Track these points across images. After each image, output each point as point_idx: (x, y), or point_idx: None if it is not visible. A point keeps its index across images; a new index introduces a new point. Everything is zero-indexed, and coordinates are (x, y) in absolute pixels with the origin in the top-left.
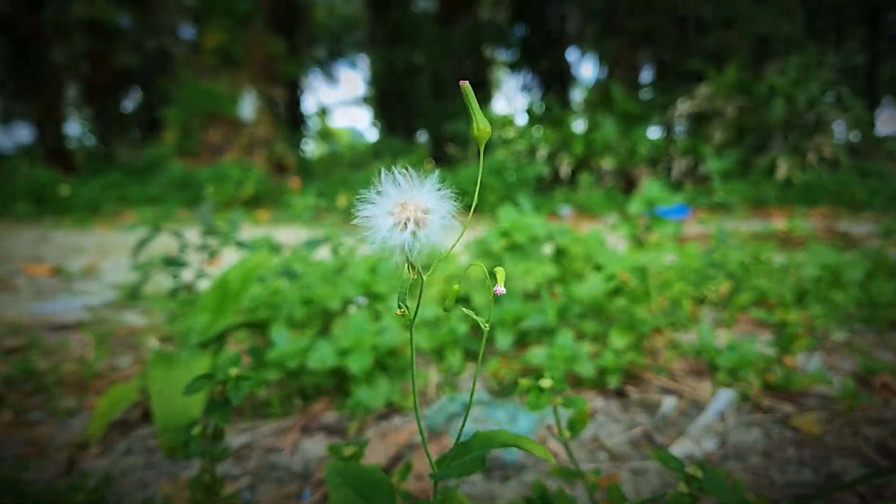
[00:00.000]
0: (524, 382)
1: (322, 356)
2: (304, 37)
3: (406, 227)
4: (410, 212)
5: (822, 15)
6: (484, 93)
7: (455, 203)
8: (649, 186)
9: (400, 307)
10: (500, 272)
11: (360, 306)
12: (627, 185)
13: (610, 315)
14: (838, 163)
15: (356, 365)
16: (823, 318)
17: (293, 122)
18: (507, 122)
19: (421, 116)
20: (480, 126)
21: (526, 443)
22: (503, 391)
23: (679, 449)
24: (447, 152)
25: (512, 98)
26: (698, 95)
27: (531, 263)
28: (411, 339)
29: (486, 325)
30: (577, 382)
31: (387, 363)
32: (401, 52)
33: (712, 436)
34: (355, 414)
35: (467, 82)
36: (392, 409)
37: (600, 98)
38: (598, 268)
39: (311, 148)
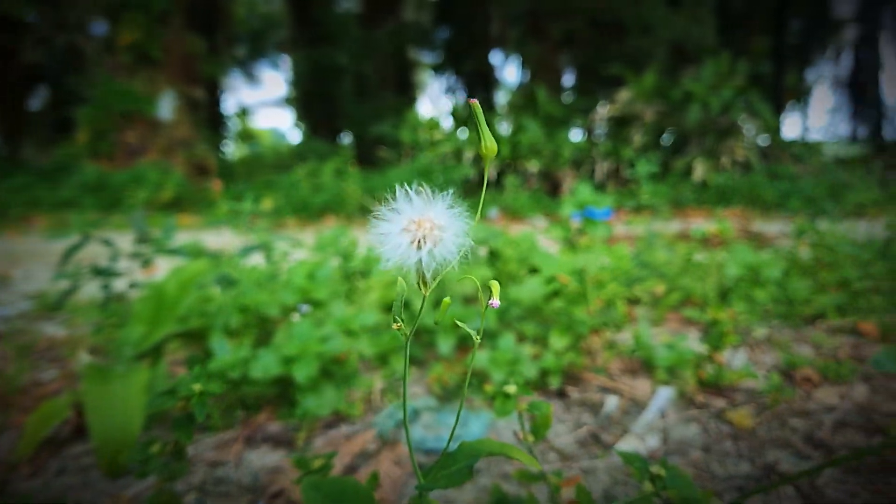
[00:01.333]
0: (489, 388)
1: (265, 365)
2: (224, 35)
3: (421, 244)
4: (426, 229)
5: (732, 24)
6: (408, 95)
7: (468, 220)
8: (580, 189)
9: (396, 321)
10: (496, 285)
11: (304, 314)
12: (552, 187)
13: (548, 317)
14: (750, 165)
15: (302, 373)
16: (746, 316)
17: (213, 123)
18: (432, 124)
19: (345, 118)
20: (488, 144)
21: (512, 451)
22: (448, 396)
23: (625, 446)
24: (374, 154)
25: (436, 100)
26: (619, 100)
27: (470, 266)
28: (406, 351)
29: (478, 337)
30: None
31: (332, 371)
32: (324, 52)
33: (655, 433)
34: (302, 423)
35: (476, 101)
36: (338, 418)
37: (524, 101)
38: (532, 270)
39: (232, 150)
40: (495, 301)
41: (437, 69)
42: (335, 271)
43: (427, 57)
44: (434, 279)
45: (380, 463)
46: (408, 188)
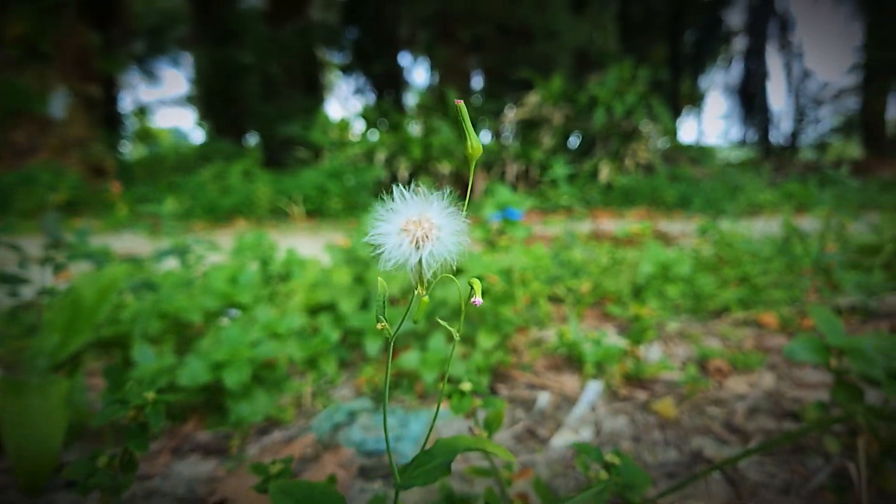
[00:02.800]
0: (445, 387)
1: (193, 372)
2: (121, 30)
3: (420, 243)
4: (425, 229)
5: (632, 32)
6: (316, 95)
7: (465, 219)
8: (500, 190)
9: (379, 321)
10: (477, 283)
11: (233, 318)
12: (464, 188)
13: (474, 317)
14: (653, 168)
15: (233, 379)
16: (658, 311)
17: (110, 122)
18: (343, 125)
19: (251, 118)
20: (474, 145)
21: (488, 445)
22: (380, 396)
23: (561, 440)
24: (282, 155)
25: (345, 101)
26: (528, 103)
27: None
28: (389, 356)
29: (457, 334)
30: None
31: (262, 376)
32: (227, 50)
33: (587, 425)
34: (235, 431)
35: (462, 101)
36: (271, 423)
37: (435, 103)
38: (458, 270)
39: (131, 150)
40: (478, 299)
41: (346, 70)
42: (256, 275)
43: (335, 57)
44: (427, 279)
45: (323, 467)
46: (403, 188)
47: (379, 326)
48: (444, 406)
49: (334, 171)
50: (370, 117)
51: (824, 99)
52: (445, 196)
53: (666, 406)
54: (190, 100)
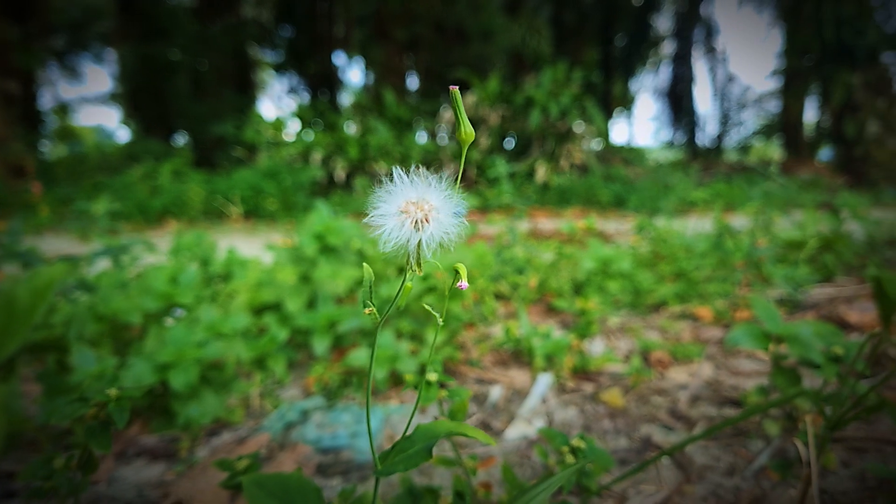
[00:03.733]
0: (410, 378)
1: (138, 374)
2: (40, 24)
3: (420, 225)
4: (425, 210)
5: (565, 35)
6: (249, 94)
7: (464, 202)
8: None
9: (366, 306)
10: (462, 268)
11: (178, 318)
12: None
13: (420, 314)
14: (587, 168)
15: (180, 380)
16: (600, 306)
17: (29, 119)
18: (278, 125)
19: (180, 117)
20: (467, 130)
21: (468, 430)
22: (331, 395)
23: (515, 431)
24: (214, 155)
25: (278, 100)
26: (465, 103)
27: (346, 266)
28: (374, 346)
29: (441, 320)
30: (398, 380)
31: (210, 377)
32: (155, 47)
33: (540, 417)
34: (185, 433)
35: (457, 88)
36: (219, 425)
37: (371, 103)
38: (400, 269)
39: (51, 149)
40: (464, 283)
41: (279, 69)
42: (197, 275)
43: (268, 56)
44: (419, 260)
45: (281, 465)
46: (402, 171)
47: (366, 311)
48: (399, 401)
49: (269, 172)
50: (305, 117)
51: (747, 103)
52: (444, 179)
53: (613, 396)
54: (114, 98)
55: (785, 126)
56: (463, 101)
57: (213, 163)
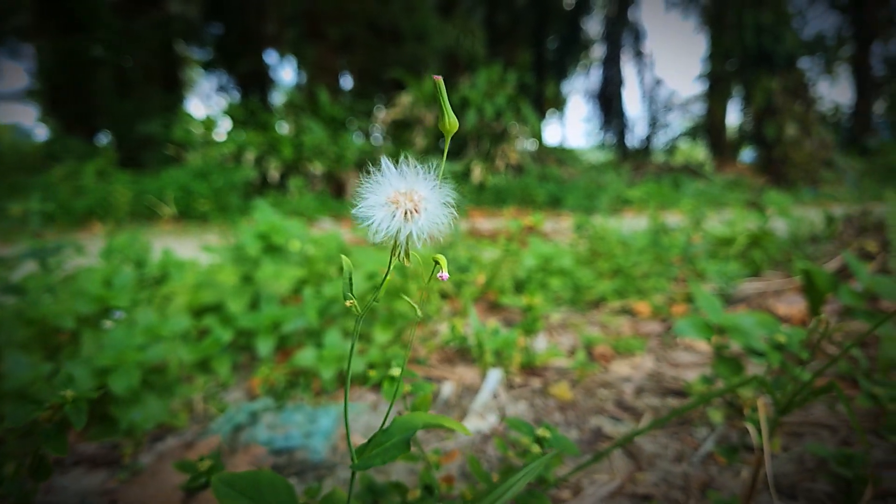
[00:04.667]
0: (373, 374)
1: (76, 379)
2: None
3: (409, 215)
4: (415, 200)
5: (499, 37)
6: (176, 93)
7: (452, 193)
8: None
9: (347, 298)
10: (442, 259)
11: (118, 320)
12: (337, 188)
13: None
14: (522, 168)
15: (121, 385)
16: (542, 303)
17: None
18: (209, 124)
19: (104, 115)
20: (451, 120)
21: (446, 421)
22: (278, 396)
23: (469, 426)
24: (140, 155)
25: (207, 99)
26: (400, 103)
27: (289, 266)
28: (355, 333)
29: (419, 313)
30: (345, 380)
31: (152, 381)
32: (76, 42)
33: (492, 411)
34: (128, 439)
35: (440, 77)
36: (163, 430)
37: (305, 102)
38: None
39: None
40: (444, 273)
41: (208, 67)
42: (132, 277)
43: (196, 53)
44: (408, 251)
45: (236, 467)
46: (389, 161)
47: (348, 304)
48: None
49: (200, 172)
50: (237, 116)
51: (673, 105)
52: (432, 168)
53: (562, 390)
54: (31, 95)
55: (709, 128)
56: (399, 101)
57: (139, 163)
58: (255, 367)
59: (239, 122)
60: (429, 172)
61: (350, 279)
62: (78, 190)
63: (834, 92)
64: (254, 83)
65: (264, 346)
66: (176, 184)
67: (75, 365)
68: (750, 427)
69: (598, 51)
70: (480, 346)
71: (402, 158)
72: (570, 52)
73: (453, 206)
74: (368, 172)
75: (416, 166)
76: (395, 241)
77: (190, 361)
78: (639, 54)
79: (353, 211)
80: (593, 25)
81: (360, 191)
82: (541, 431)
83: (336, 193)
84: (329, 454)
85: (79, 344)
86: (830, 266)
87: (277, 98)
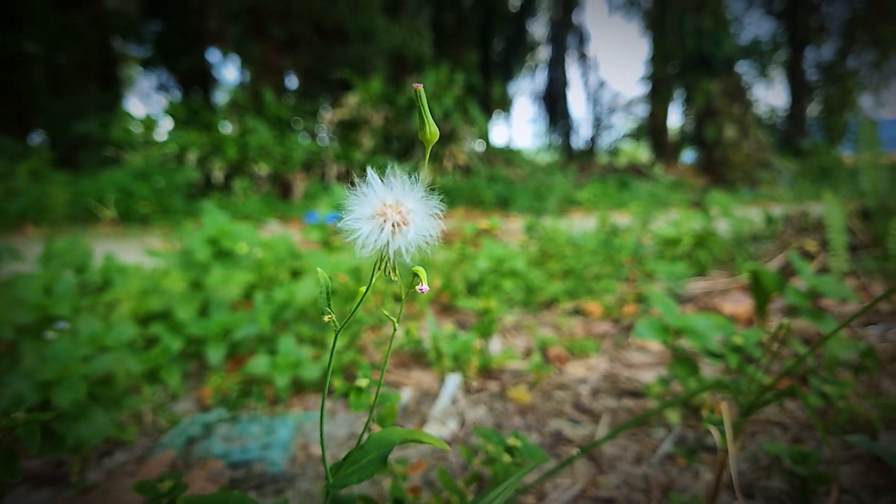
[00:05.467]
0: (339, 385)
1: (16, 394)
2: None
3: (398, 228)
4: (403, 213)
5: (445, 38)
6: (114, 91)
7: (441, 204)
8: (336, 190)
9: (325, 313)
10: (421, 271)
11: (61, 330)
12: (284, 190)
13: (318, 318)
14: (471, 169)
15: (65, 398)
16: (496, 304)
17: None
18: (149, 123)
19: (37, 114)
20: (431, 130)
21: (423, 436)
22: (230, 406)
23: (431, 433)
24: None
25: (146, 98)
26: (347, 104)
27: (239, 271)
28: (333, 345)
29: (397, 323)
30: (299, 387)
31: (98, 393)
32: (6, 37)
33: (452, 417)
34: (74, 455)
35: (421, 86)
36: (111, 444)
37: (250, 102)
38: (294, 273)
39: None
40: (424, 286)
41: (147, 64)
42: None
43: (135, 51)
44: (395, 266)
45: (193, 482)
46: (374, 172)
47: (326, 318)
48: (303, 409)
49: (141, 173)
50: (179, 115)
51: (617, 107)
52: (418, 179)
53: (520, 393)
54: None
55: (652, 129)
56: (346, 102)
57: (76, 163)
58: (205, 376)
59: (181, 122)
60: (415, 183)
61: (327, 292)
62: (10, 191)
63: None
64: (195, 82)
65: (215, 355)
66: (115, 185)
67: (16, 378)
68: (713, 429)
69: (543, 53)
70: (438, 350)
71: (388, 169)
72: (516, 53)
73: (440, 218)
74: (353, 184)
75: (402, 177)
76: (382, 255)
77: (138, 372)
78: (583, 56)
79: (339, 224)
80: (538, 28)
81: (346, 203)
82: (511, 440)
83: (283, 195)
84: (288, 466)
85: (18, 355)
86: (773, 265)
87: (220, 97)
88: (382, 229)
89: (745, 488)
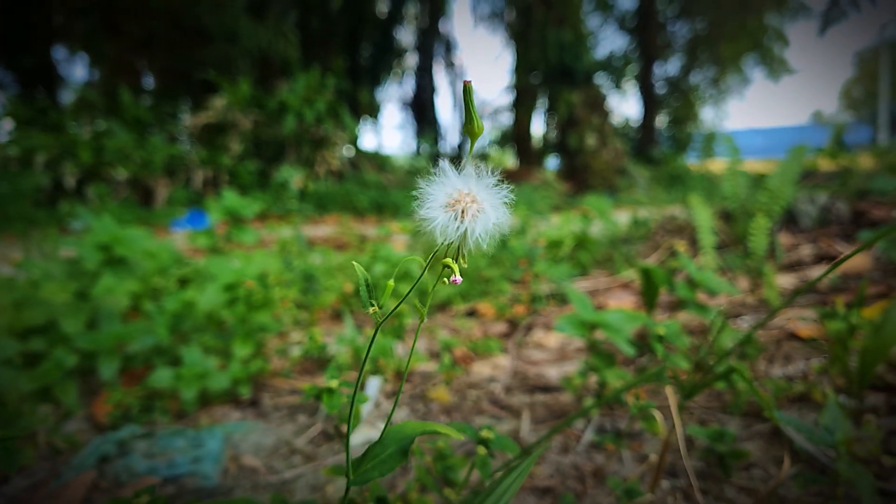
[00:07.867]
0: (309, 388)
1: None
2: None
3: (474, 216)
4: (477, 202)
5: (313, 42)
6: None
7: (508, 193)
8: (227, 195)
9: (372, 304)
10: (454, 264)
11: None
12: (145, 196)
13: (225, 326)
14: (342, 175)
15: None
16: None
17: None
18: None
19: None
20: (479, 125)
21: (440, 428)
22: (133, 421)
23: (361, 436)
24: None
25: None
26: (213, 106)
27: (127, 279)
28: (372, 338)
29: (424, 313)
30: (206, 400)
31: None
32: None
33: (380, 419)
34: None
35: (470, 82)
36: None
37: (103, 102)
38: (182, 281)
39: None
40: (457, 277)
41: None
42: None
43: None
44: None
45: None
46: (448, 163)
47: (371, 311)
48: (211, 421)
49: None
50: (22, 115)
51: (483, 115)
52: (488, 169)
53: (441, 393)
54: None
55: (517, 137)
56: (211, 104)
57: None
58: (95, 394)
59: (24, 122)
60: (487, 173)
61: (367, 285)
62: None
63: (624, 106)
64: (38, 80)
65: (108, 369)
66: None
67: None
68: (655, 413)
69: (411, 60)
70: (358, 353)
71: (465, 160)
72: (384, 59)
73: (509, 207)
74: (429, 175)
75: (473, 167)
76: (450, 243)
77: (27, 390)
78: (450, 65)
79: (419, 213)
80: (406, 35)
81: (422, 193)
82: (485, 433)
83: (143, 201)
84: (221, 479)
85: None
86: (650, 262)
87: (68, 96)
88: (457, 218)
89: (669, 467)
